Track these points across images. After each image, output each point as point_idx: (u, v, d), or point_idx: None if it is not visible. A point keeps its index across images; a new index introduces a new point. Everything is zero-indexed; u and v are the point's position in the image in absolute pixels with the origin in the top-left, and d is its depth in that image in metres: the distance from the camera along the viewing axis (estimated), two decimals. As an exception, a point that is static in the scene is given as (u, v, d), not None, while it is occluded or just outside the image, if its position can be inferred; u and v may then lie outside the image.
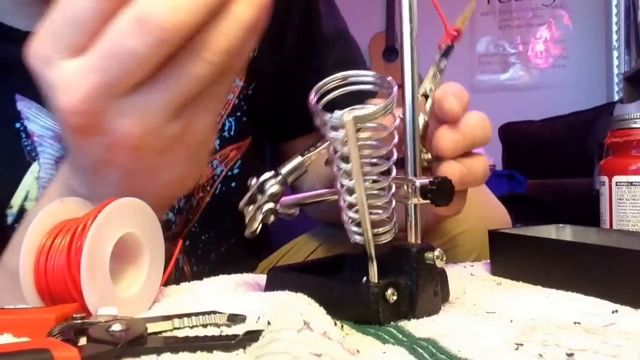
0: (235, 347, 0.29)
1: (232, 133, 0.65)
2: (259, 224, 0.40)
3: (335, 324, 0.30)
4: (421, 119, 0.43)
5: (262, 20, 0.36)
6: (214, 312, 0.33)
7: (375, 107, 0.35)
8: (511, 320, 0.35)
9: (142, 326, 0.30)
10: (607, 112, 2.62)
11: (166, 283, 0.42)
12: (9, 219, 0.53)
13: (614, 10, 3.32)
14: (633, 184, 0.58)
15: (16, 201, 0.53)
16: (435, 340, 0.31)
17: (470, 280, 0.47)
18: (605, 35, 3.39)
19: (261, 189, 0.40)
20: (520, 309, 0.37)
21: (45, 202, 0.39)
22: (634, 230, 0.57)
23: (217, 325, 0.33)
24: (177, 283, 0.45)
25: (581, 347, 0.28)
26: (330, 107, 0.37)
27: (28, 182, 0.53)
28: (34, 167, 0.53)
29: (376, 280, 0.36)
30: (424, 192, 0.39)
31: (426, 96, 0.45)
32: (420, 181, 0.39)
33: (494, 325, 0.34)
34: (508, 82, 3.62)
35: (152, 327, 0.31)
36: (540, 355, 0.28)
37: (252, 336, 0.29)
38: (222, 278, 0.47)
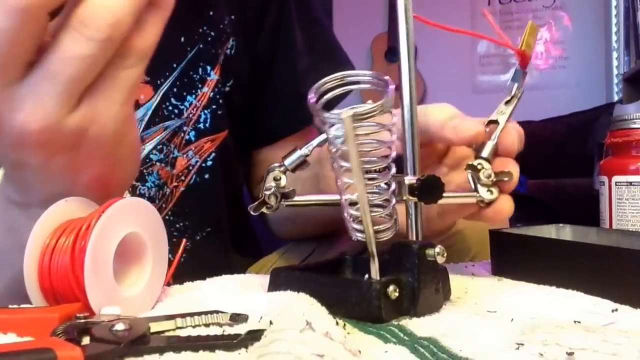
0: (237, 346, 0.29)
1: (207, 125, 0.65)
2: (261, 201, 0.42)
3: (337, 323, 0.30)
4: (490, 145, 0.45)
5: None
6: (217, 312, 0.33)
7: (373, 105, 0.36)
8: (512, 319, 0.35)
9: (144, 325, 0.31)
10: (607, 112, 2.63)
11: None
12: None
13: (614, 12, 3.32)
14: (632, 183, 0.58)
15: None
16: (436, 339, 0.32)
17: (471, 280, 0.47)
18: (605, 36, 3.39)
19: (267, 174, 0.43)
20: (520, 308, 0.37)
21: None
22: (634, 230, 0.57)
23: (220, 325, 0.33)
24: None
25: (581, 346, 0.28)
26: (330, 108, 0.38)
27: None
28: None
29: (378, 277, 0.37)
30: (411, 189, 0.40)
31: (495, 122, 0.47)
32: (408, 179, 0.40)
33: (495, 324, 0.34)
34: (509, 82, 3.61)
35: (154, 327, 0.31)
36: (541, 355, 0.28)
37: (255, 336, 0.29)
38: (225, 278, 0.47)
